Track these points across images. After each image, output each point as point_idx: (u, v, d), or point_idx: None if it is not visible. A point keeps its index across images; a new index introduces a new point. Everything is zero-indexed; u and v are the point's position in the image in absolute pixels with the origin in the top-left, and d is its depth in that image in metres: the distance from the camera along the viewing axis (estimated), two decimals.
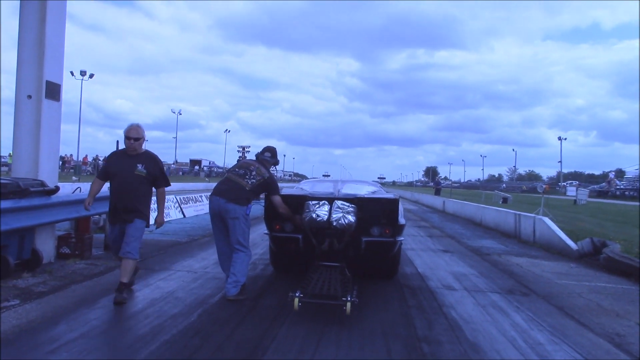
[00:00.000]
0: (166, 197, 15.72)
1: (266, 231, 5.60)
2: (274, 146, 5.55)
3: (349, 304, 4.15)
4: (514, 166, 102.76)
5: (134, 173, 4.67)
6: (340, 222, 4.70)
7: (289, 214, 5.14)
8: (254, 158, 5.52)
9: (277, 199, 5.12)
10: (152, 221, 5.18)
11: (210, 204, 5.16)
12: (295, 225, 5.23)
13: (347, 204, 4.90)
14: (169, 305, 4.58)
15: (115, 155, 4.93)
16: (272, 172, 5.41)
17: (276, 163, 5.53)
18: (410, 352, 3.59)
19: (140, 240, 4.78)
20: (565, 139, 74.85)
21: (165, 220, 12.33)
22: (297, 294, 4.26)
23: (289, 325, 4.12)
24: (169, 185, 5.02)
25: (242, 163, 5.48)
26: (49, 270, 5.67)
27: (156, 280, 5.63)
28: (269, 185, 5.15)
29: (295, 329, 4.00)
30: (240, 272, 4.89)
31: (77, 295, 4.78)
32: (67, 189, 9.70)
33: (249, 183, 5.03)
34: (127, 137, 4.71)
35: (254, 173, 5.11)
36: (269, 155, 5.41)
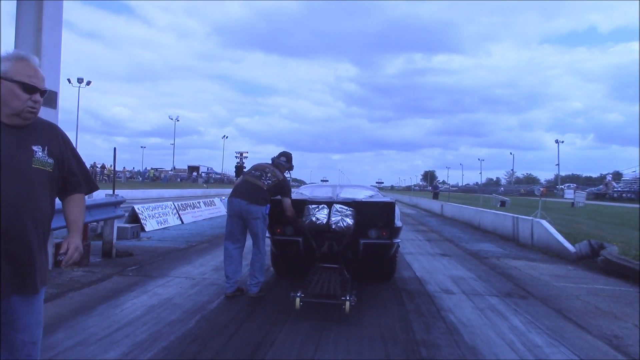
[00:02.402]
0: (164, 203, 15.45)
1: (267, 235, 5.65)
2: (290, 152, 5.81)
3: (347, 303, 4.29)
4: (512, 169, 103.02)
5: (30, 166, 1.95)
6: (338, 225, 4.82)
7: (294, 217, 5.30)
8: (270, 162, 5.73)
9: (287, 201, 5.33)
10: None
11: (230, 205, 5.31)
12: (297, 229, 5.37)
13: (346, 208, 5.01)
14: (167, 311, 4.57)
15: None
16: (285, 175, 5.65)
17: (290, 168, 5.81)
18: (408, 356, 3.59)
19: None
20: (563, 142, 75.37)
21: (163, 227, 12.41)
22: (298, 294, 4.41)
23: (287, 330, 4.11)
24: (97, 188, 2.42)
25: (257, 166, 5.69)
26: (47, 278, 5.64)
27: (154, 287, 5.62)
28: (283, 188, 5.39)
29: (294, 334, 4.00)
30: (260, 272, 5.25)
31: (75, 303, 4.77)
32: None
33: (265, 183, 5.28)
34: (28, 87, 1.94)
35: (269, 175, 5.38)
36: (284, 160, 5.70)
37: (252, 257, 5.29)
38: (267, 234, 5.62)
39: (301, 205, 5.21)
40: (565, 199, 39.20)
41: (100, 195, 13.73)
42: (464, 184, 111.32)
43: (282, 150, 5.84)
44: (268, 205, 5.27)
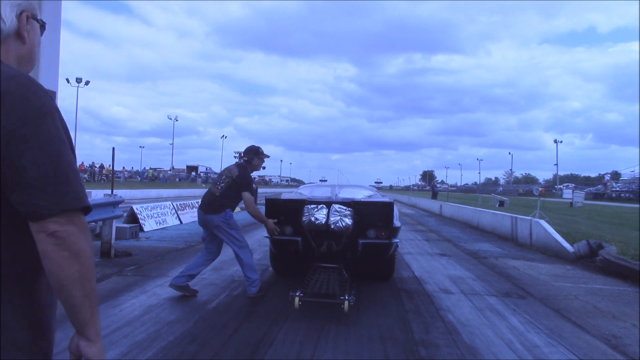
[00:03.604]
0: (162, 203, 15.53)
1: (266, 234, 5.64)
2: (256, 145, 5.48)
3: (346, 303, 4.30)
4: (511, 169, 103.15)
5: None
6: (337, 224, 4.82)
7: (258, 215, 5.20)
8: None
9: (246, 195, 5.19)
10: None
11: (198, 214, 5.38)
12: (268, 230, 5.29)
13: (344, 208, 5.02)
14: (166, 311, 4.57)
15: None
16: (247, 169, 5.32)
17: (254, 165, 5.38)
18: (407, 356, 3.59)
19: None
20: (562, 141, 75.20)
21: (162, 226, 12.41)
22: (297, 294, 4.43)
23: (286, 330, 4.11)
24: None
25: (222, 170, 5.55)
26: None
27: (153, 287, 5.62)
28: (238, 184, 5.19)
29: (293, 334, 4.00)
30: (250, 270, 5.13)
31: None
32: None
33: (218, 188, 5.21)
34: (43, 26, 1.26)
35: (223, 177, 5.29)
36: (248, 157, 5.42)
37: (237, 259, 5.22)
38: (267, 234, 5.60)
39: (300, 205, 5.20)
40: (564, 198, 39.28)
41: (98, 195, 13.70)
42: (462, 184, 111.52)
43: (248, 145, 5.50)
44: (228, 211, 5.11)
